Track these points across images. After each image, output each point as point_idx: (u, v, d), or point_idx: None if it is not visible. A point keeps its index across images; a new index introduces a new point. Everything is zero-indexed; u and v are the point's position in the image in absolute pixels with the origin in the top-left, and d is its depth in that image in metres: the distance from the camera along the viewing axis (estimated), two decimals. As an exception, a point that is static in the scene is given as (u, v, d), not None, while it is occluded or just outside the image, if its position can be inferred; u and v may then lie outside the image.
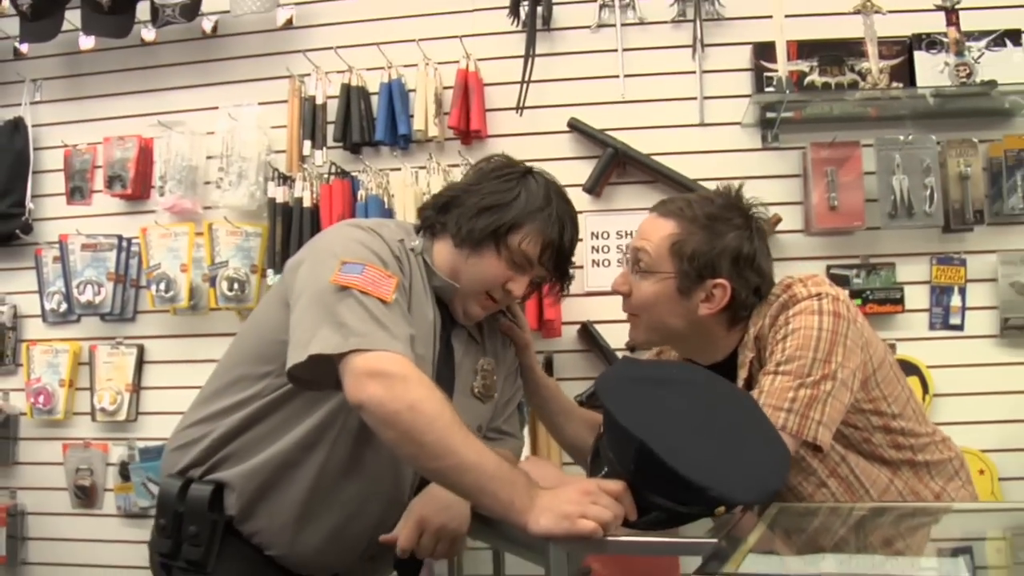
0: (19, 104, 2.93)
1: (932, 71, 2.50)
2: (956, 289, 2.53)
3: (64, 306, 2.85)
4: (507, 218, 1.67)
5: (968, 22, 2.48)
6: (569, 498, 1.33)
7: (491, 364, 1.82)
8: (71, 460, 2.83)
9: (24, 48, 2.95)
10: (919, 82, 2.52)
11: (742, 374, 1.75)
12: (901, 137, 2.51)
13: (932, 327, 2.55)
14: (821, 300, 1.68)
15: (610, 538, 1.32)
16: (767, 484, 1.39)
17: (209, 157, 2.80)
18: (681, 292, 1.74)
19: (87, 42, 2.88)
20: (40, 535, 2.86)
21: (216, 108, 2.79)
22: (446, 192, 1.79)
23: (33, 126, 2.92)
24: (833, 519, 1.63)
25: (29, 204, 2.88)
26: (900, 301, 2.53)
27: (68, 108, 2.95)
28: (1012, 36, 2.52)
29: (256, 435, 1.63)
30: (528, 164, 1.80)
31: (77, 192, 2.91)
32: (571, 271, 1.81)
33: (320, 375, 1.49)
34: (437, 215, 1.74)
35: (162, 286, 2.71)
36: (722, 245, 1.72)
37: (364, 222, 1.73)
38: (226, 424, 1.64)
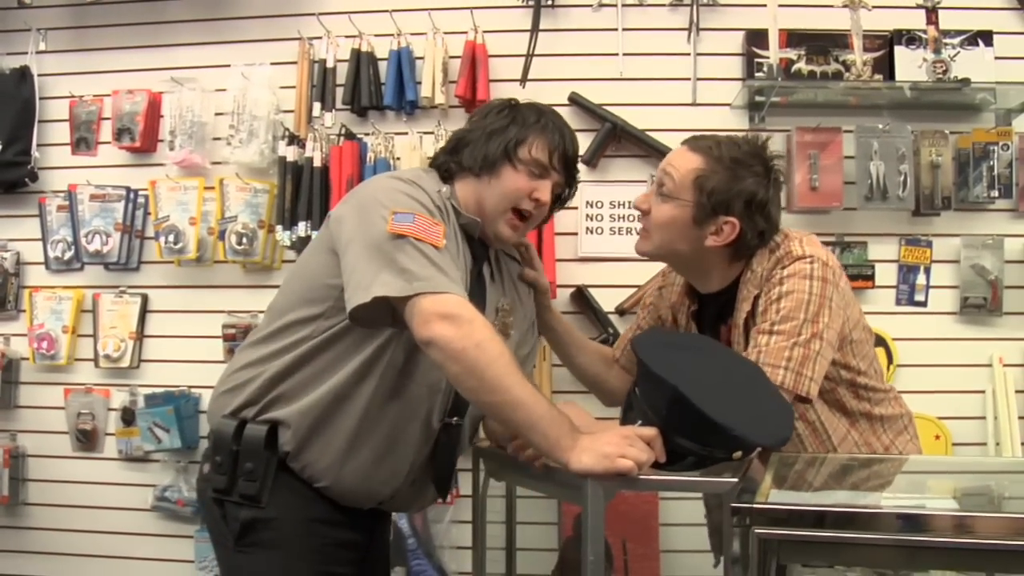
0: (25, 53, 2.93)
1: (911, 66, 2.68)
2: (922, 268, 2.73)
3: (68, 254, 2.89)
4: (511, 135, 1.84)
5: (944, 21, 2.63)
6: (609, 440, 1.48)
7: (509, 305, 1.96)
8: (73, 405, 2.88)
9: (25, -5, 2.92)
10: (898, 75, 2.69)
11: (745, 307, 1.90)
12: (879, 126, 2.69)
13: (899, 303, 2.75)
14: (812, 264, 1.84)
15: (642, 477, 1.48)
16: (780, 432, 1.56)
17: (218, 114, 2.85)
18: (695, 221, 1.88)
19: (90, -7, 2.88)
20: (40, 477, 2.91)
21: (228, 66, 2.83)
22: (452, 138, 1.95)
23: (39, 75, 2.92)
24: (827, 466, 1.81)
25: (35, 153, 2.90)
26: (871, 277, 2.73)
27: (74, 59, 2.95)
28: (984, 37, 2.70)
29: (308, 374, 1.74)
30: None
31: (82, 143, 2.93)
32: (577, 176, 1.98)
33: (378, 315, 1.63)
34: (450, 157, 1.90)
35: (171, 238, 2.76)
36: (739, 187, 1.86)
37: (403, 174, 1.87)
38: (277, 365, 1.75)
